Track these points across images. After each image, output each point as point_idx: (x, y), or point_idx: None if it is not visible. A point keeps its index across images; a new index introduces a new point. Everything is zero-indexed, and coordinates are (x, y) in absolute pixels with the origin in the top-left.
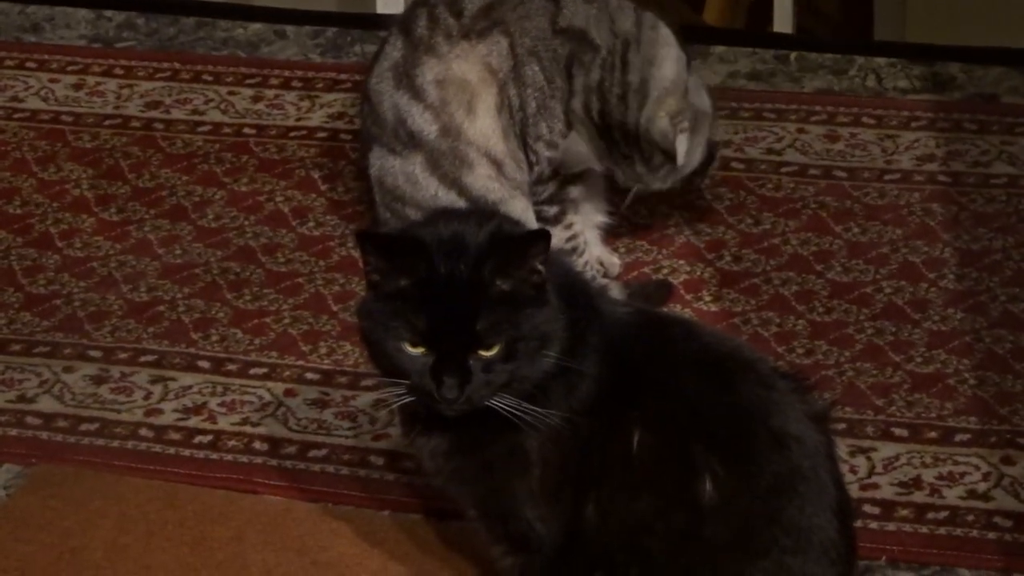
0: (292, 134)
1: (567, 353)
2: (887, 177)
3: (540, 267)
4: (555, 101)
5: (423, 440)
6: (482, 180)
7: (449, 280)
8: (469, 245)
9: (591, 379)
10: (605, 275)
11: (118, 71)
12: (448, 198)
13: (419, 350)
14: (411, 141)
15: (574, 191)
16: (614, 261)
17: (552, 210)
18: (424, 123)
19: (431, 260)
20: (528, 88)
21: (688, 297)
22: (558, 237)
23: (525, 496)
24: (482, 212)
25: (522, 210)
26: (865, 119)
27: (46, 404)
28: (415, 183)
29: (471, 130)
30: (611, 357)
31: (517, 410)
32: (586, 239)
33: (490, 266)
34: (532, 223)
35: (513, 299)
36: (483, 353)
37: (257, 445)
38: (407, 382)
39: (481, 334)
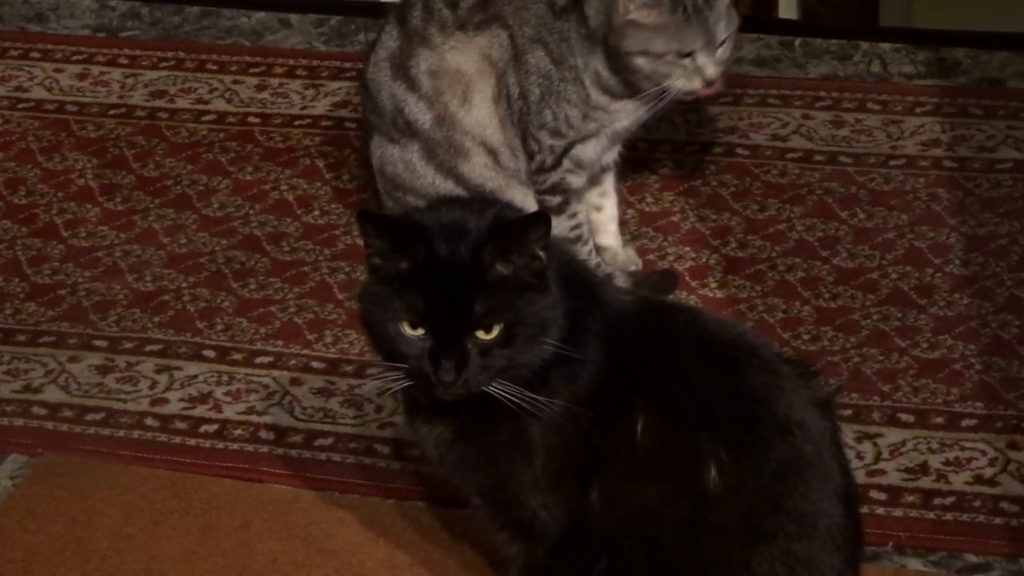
0: (297, 123)
1: (568, 341)
2: (892, 163)
3: (541, 253)
4: (567, 84)
5: (427, 428)
6: (478, 169)
7: (449, 263)
8: (470, 229)
9: (593, 367)
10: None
11: (122, 60)
12: (445, 186)
13: (417, 332)
14: (408, 130)
15: (577, 181)
16: (636, 260)
17: (555, 200)
18: (419, 112)
19: (431, 242)
20: (531, 75)
21: (694, 284)
22: (562, 226)
23: (529, 483)
24: (485, 200)
25: (520, 199)
26: (870, 105)
27: (52, 394)
28: (413, 171)
29: (467, 119)
30: (614, 345)
31: (517, 398)
32: (590, 228)
33: (490, 249)
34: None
35: (513, 284)
36: (481, 336)
37: (263, 434)
38: (406, 366)
39: (479, 316)
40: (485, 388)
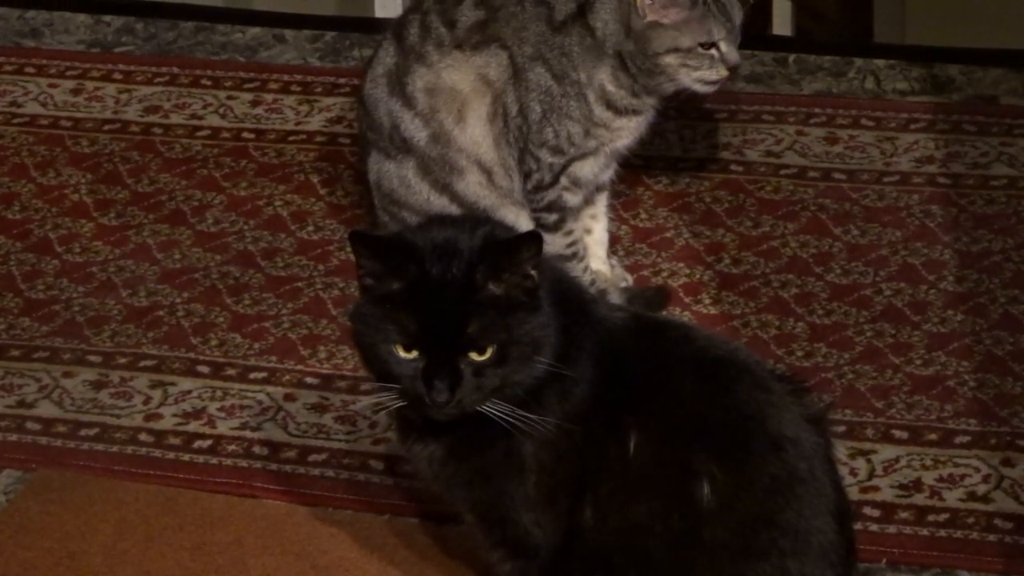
0: (291, 138)
1: (560, 358)
2: (886, 179)
3: (532, 272)
4: (569, 99)
5: (419, 447)
6: (472, 187)
7: (441, 283)
8: (462, 248)
9: (586, 384)
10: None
11: (117, 76)
12: (440, 203)
13: (410, 354)
14: (404, 146)
15: (573, 199)
16: (626, 276)
17: (551, 217)
18: (415, 129)
19: (423, 262)
20: (532, 93)
21: (687, 300)
22: (558, 244)
23: (522, 501)
24: (476, 218)
25: (512, 218)
26: (864, 121)
27: (45, 409)
28: (409, 187)
29: (461, 138)
30: (606, 361)
31: (510, 416)
32: (586, 245)
33: (482, 269)
34: (524, 229)
35: (505, 303)
36: (474, 357)
37: (256, 450)
38: (399, 386)
39: (472, 337)
40: (479, 408)
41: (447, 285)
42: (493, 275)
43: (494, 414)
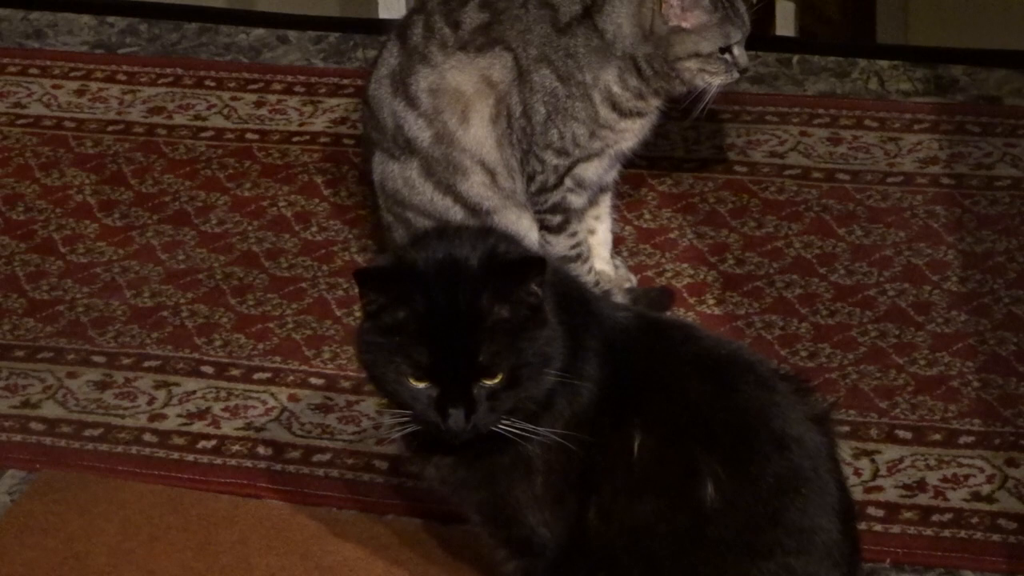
0: (295, 139)
1: (568, 364)
2: (890, 180)
3: (537, 288)
4: (574, 100)
5: (425, 453)
6: (476, 188)
7: (448, 311)
8: (466, 272)
9: (592, 384)
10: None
11: (121, 77)
12: (444, 203)
13: (422, 384)
14: (408, 147)
15: (578, 200)
16: (630, 276)
17: (556, 219)
18: (418, 130)
19: (428, 291)
20: (537, 94)
21: (691, 300)
22: (562, 245)
23: (528, 502)
24: (475, 231)
25: (515, 219)
26: (868, 122)
27: (50, 410)
28: (412, 187)
29: (464, 138)
30: (611, 361)
31: (524, 431)
32: (589, 246)
33: (488, 294)
34: (525, 232)
35: (512, 325)
36: (487, 382)
37: (261, 450)
38: (411, 412)
39: (484, 365)
40: (493, 428)
41: (454, 313)
42: (499, 299)
43: (508, 432)
